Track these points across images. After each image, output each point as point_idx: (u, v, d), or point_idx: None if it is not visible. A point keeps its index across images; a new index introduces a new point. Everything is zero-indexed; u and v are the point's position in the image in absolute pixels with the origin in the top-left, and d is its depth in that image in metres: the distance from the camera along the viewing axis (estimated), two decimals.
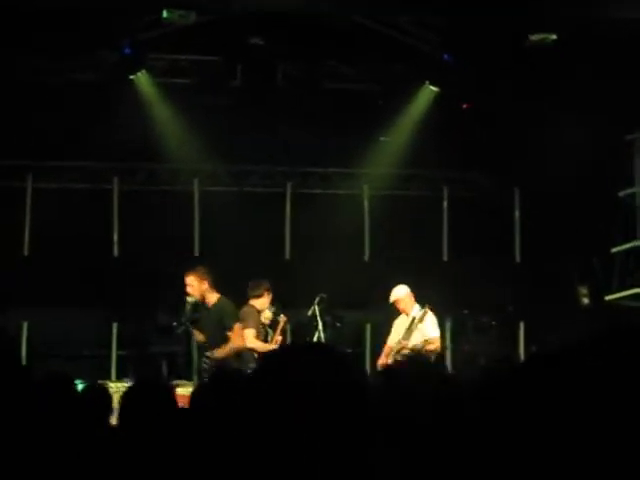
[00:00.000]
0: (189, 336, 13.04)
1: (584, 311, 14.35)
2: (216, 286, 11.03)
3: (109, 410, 3.47)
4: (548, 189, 14.44)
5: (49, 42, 12.22)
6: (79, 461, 2.70)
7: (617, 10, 11.53)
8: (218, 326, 10.98)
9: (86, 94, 13.22)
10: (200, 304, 10.99)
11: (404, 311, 11.70)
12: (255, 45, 13.19)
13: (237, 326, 10.99)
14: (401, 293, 11.76)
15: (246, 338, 11.20)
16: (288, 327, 12.72)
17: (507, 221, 15.29)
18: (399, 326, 11.72)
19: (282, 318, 11.82)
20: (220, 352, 10.86)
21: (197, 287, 10.94)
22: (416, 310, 11.58)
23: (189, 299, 10.93)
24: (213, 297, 11.03)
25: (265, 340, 11.54)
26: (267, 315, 11.68)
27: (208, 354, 10.99)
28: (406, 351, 11.27)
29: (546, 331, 13.93)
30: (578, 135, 13.15)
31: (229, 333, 10.91)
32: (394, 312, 11.86)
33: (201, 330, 11.15)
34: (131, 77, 13.53)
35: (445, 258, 15.24)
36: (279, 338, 11.76)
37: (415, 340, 11.37)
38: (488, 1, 11.56)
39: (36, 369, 11.29)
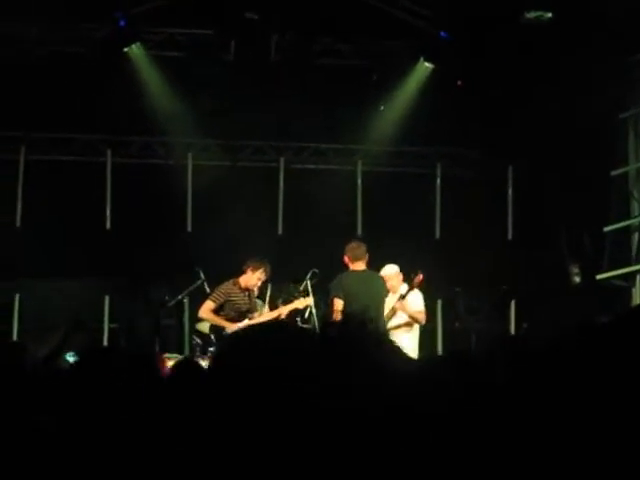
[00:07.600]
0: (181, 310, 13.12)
1: (575, 290, 14.38)
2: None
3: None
4: (541, 167, 14.44)
5: (44, 11, 12.13)
6: None
7: None
8: None
9: (80, 66, 13.15)
10: None
11: (392, 290, 11.57)
12: (249, 19, 13.13)
13: None
14: (390, 272, 11.55)
15: (201, 308, 11.51)
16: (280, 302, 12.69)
17: (500, 199, 15.27)
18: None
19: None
20: None
21: None
22: (403, 290, 11.48)
23: None
24: None
25: (242, 316, 11.49)
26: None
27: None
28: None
29: (537, 309, 13.97)
30: (572, 113, 13.15)
31: None
32: None
33: None
34: (125, 50, 13.49)
35: (437, 235, 15.22)
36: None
37: (400, 318, 11.33)
38: None
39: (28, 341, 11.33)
